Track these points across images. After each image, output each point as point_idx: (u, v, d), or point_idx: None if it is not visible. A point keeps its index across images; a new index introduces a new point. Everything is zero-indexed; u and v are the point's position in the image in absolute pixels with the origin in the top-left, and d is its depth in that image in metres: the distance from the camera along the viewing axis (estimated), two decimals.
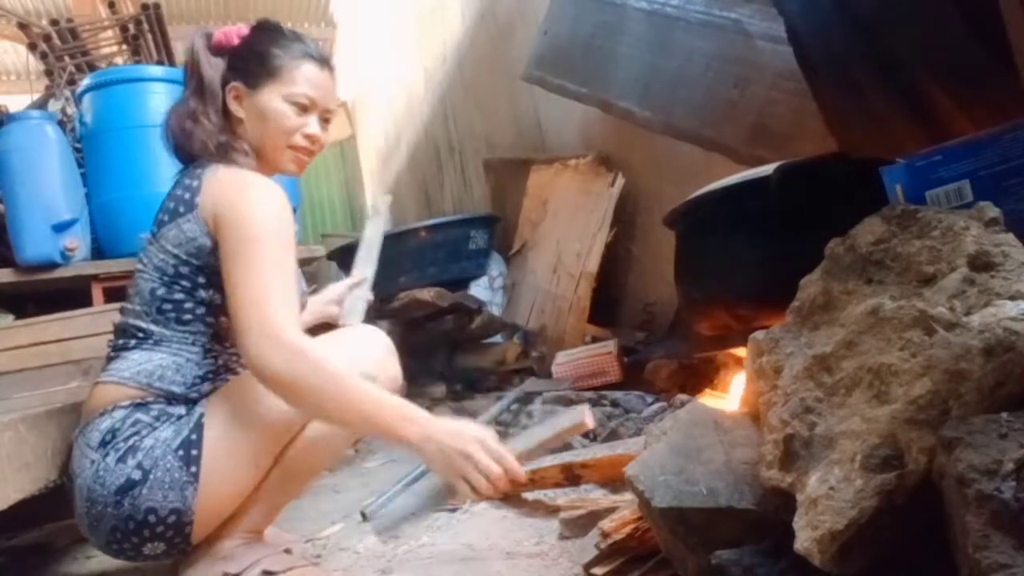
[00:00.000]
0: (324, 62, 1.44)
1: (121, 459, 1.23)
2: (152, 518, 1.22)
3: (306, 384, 1.16)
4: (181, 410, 1.29)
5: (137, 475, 1.22)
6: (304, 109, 1.40)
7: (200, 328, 1.33)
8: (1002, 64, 1.10)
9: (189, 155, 1.40)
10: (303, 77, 1.40)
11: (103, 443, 1.25)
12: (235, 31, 1.44)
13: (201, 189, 1.32)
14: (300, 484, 1.42)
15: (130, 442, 1.24)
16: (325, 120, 1.45)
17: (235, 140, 1.39)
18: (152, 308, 1.32)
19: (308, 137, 1.41)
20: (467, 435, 1.13)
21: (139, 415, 1.26)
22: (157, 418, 1.26)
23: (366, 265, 1.88)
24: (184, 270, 1.32)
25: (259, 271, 1.22)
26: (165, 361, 1.30)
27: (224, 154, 1.36)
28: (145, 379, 1.29)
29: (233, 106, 1.40)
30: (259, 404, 1.29)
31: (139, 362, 1.30)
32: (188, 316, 1.32)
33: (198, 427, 1.25)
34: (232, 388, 1.32)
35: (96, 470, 1.23)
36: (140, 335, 1.33)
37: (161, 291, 1.32)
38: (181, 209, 1.33)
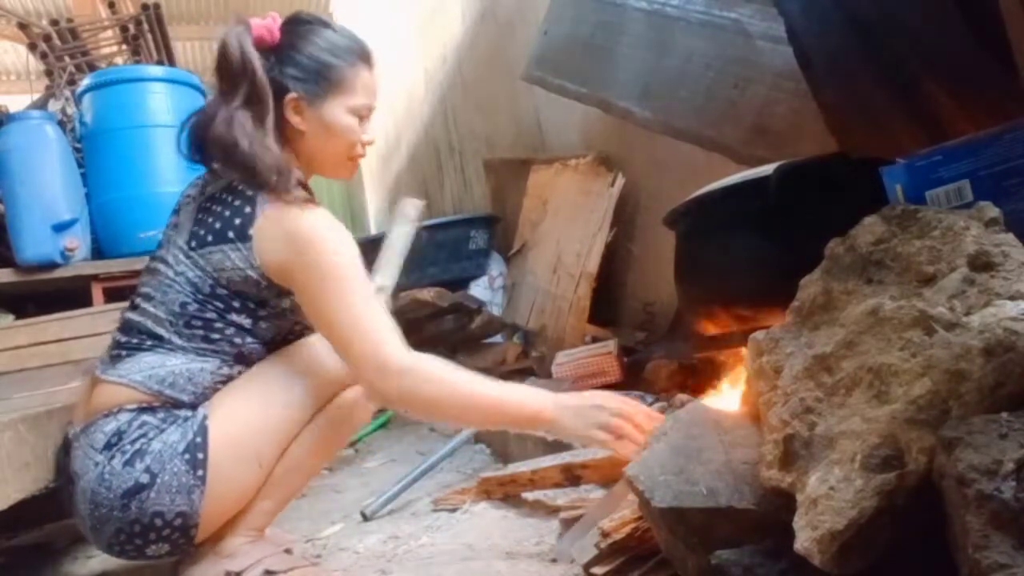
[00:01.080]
0: (370, 59, 1.42)
1: (128, 462, 1.22)
2: (159, 521, 1.22)
3: (426, 399, 1.22)
4: (187, 412, 1.28)
5: (145, 479, 1.21)
6: (363, 118, 1.40)
7: (224, 347, 1.32)
8: (1002, 64, 1.10)
9: (220, 164, 1.36)
10: (362, 85, 1.38)
11: (108, 445, 1.24)
12: (274, 24, 1.37)
13: (255, 221, 1.29)
14: (303, 481, 1.43)
15: (137, 445, 1.23)
16: (369, 119, 1.44)
17: (292, 170, 1.33)
18: (179, 321, 1.30)
19: (365, 144, 1.42)
20: (593, 393, 1.26)
21: (145, 417, 1.26)
22: (164, 420, 1.26)
23: (387, 274, 1.79)
24: (221, 292, 1.30)
25: (355, 306, 1.25)
26: (178, 368, 1.29)
27: (284, 189, 1.30)
28: (156, 385, 1.27)
29: (294, 119, 1.36)
30: (261, 403, 1.29)
31: (152, 366, 1.28)
32: (216, 335, 1.31)
33: (202, 430, 1.25)
34: (233, 389, 1.31)
35: (101, 473, 1.22)
36: (155, 339, 1.31)
37: (193, 307, 1.30)
38: (230, 235, 1.29)
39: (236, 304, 1.31)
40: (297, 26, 1.39)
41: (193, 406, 1.29)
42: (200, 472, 1.23)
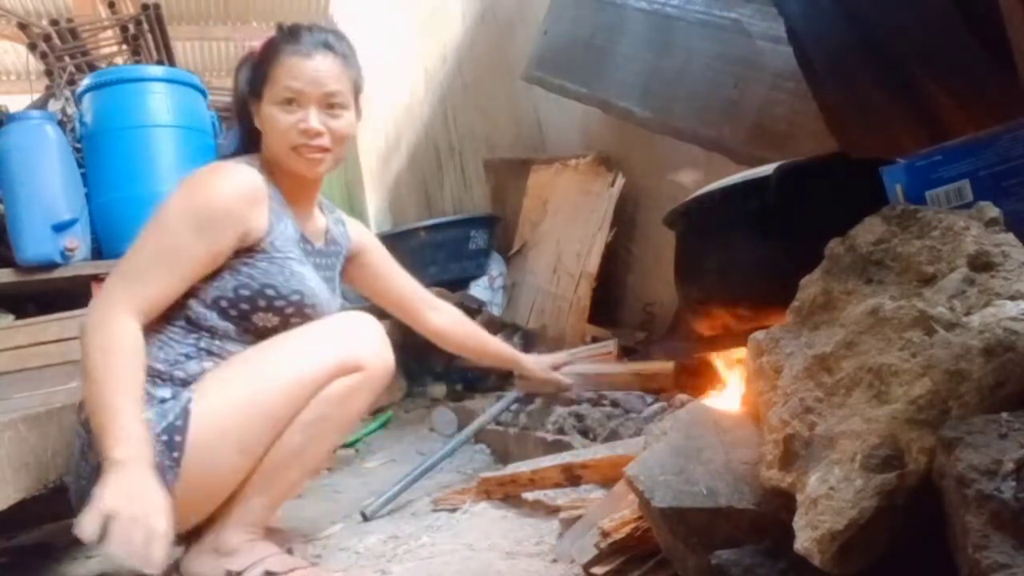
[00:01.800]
0: (311, 51, 1.37)
1: None
2: None
3: (87, 354, 1.20)
4: (166, 392, 1.28)
5: None
6: (291, 103, 1.36)
7: (176, 312, 1.33)
8: (1002, 64, 1.10)
9: None
10: (284, 73, 1.36)
11: (88, 419, 1.25)
12: (267, 38, 1.44)
13: None
14: (299, 476, 1.40)
15: None
16: (330, 107, 1.38)
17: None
18: None
19: (304, 132, 1.36)
20: (146, 500, 1.11)
21: None
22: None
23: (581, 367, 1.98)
24: None
25: (143, 252, 1.27)
26: (150, 338, 1.30)
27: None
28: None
29: (257, 123, 1.42)
30: (251, 390, 1.28)
31: None
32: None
33: (184, 413, 1.24)
34: (222, 373, 1.31)
35: (81, 445, 1.26)
36: None
37: None
38: None
39: None
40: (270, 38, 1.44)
41: (171, 377, 1.29)
42: (175, 454, 1.22)
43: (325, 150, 1.39)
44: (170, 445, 1.23)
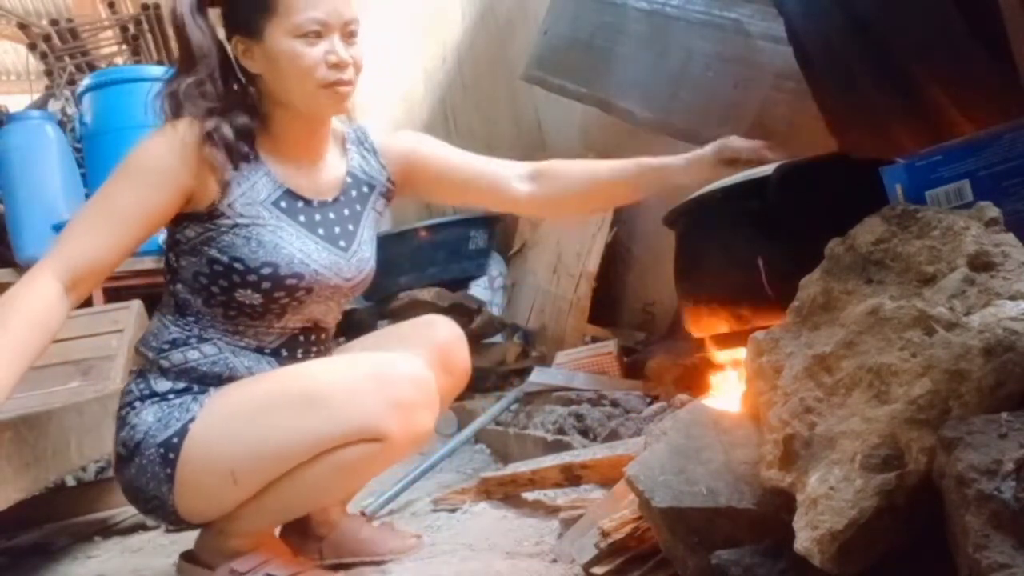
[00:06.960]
0: None
1: (118, 429, 1.28)
2: (141, 495, 1.26)
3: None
4: (165, 384, 1.26)
5: (123, 451, 1.26)
6: (317, 36, 1.20)
7: (170, 297, 1.32)
8: (1002, 64, 1.10)
9: None
10: (300, 2, 1.19)
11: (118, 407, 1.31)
12: None
13: None
14: (298, 512, 1.38)
15: (123, 412, 1.28)
16: (350, 35, 1.24)
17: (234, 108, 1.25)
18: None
19: (334, 66, 1.21)
20: None
21: (132, 386, 1.30)
22: (143, 391, 1.27)
23: None
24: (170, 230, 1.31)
25: (77, 215, 1.23)
26: (153, 325, 1.33)
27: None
28: (141, 344, 1.32)
29: (248, 64, 1.25)
30: (254, 434, 1.22)
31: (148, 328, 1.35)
32: (166, 280, 1.34)
33: (182, 431, 1.22)
34: (232, 400, 1.25)
35: (115, 431, 1.29)
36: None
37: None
38: None
39: (170, 243, 1.30)
40: None
41: (158, 365, 1.27)
42: (169, 470, 1.21)
43: (350, 83, 1.25)
44: (165, 459, 1.21)
